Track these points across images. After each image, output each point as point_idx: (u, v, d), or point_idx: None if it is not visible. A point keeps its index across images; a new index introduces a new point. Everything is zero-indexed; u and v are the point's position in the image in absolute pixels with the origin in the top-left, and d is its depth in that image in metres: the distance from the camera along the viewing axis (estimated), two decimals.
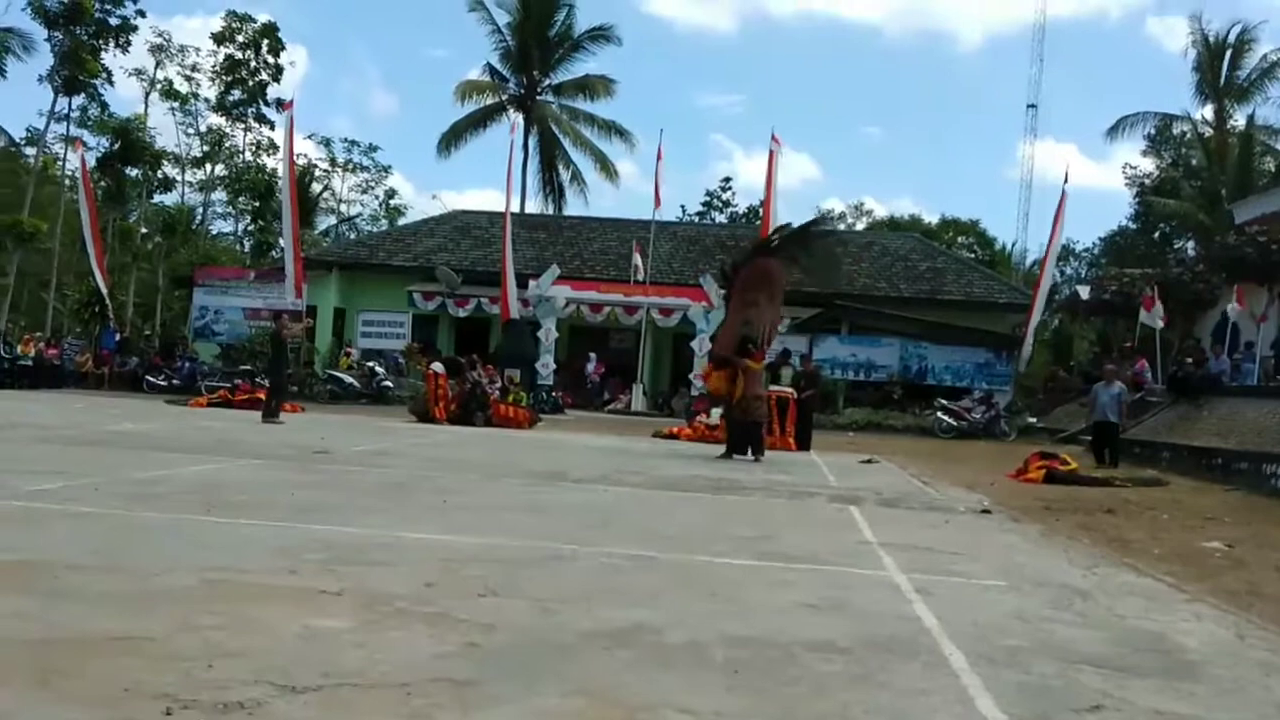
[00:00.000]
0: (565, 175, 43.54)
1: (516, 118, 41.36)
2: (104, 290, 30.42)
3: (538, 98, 43.08)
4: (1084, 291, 30.85)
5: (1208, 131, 37.56)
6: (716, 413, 19.93)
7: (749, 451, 14.89)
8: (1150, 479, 13.89)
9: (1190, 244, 37.88)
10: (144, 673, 3.16)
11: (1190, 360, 21.05)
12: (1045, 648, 4.24)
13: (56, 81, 35.01)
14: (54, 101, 36.01)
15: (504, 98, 43.19)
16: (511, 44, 42.48)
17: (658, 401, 28.97)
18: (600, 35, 42.43)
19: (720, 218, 54.69)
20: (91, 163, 34.83)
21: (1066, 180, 27.34)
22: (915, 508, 9.55)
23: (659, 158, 29.24)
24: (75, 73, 34.64)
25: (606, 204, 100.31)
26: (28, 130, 42.04)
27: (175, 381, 25.94)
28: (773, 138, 26.96)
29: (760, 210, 33.99)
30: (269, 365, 18.75)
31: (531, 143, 42.64)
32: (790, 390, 17.97)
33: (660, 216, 31.10)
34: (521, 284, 28.41)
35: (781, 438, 17.31)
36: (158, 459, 9.70)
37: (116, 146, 36.80)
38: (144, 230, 41.62)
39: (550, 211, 42.38)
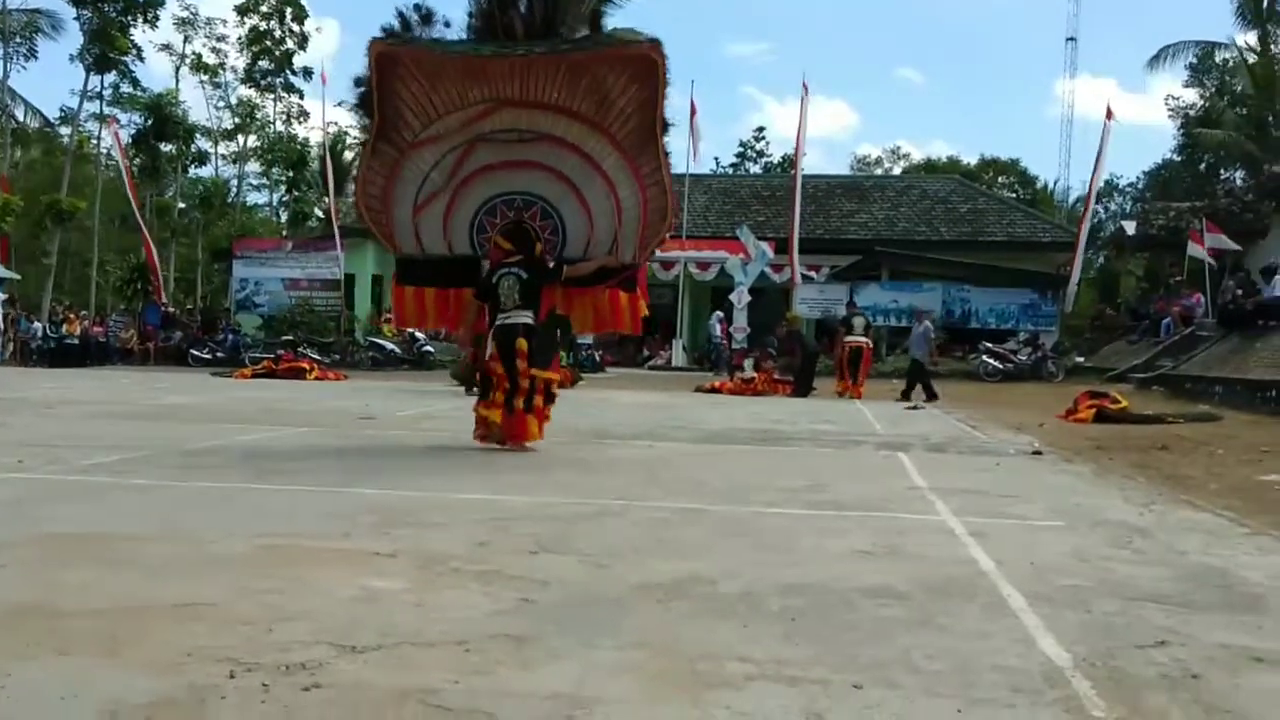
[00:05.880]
0: None
1: None
2: (158, 269, 30.67)
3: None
4: (1130, 227, 30.35)
5: (1252, 58, 36.54)
6: (749, 364, 19.98)
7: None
8: (1203, 414, 13.69)
9: (1238, 174, 37.01)
10: (206, 638, 3.20)
11: (1240, 291, 20.66)
12: (1106, 586, 4.18)
13: (87, 60, 35.29)
14: (86, 80, 36.35)
15: None
16: None
17: (697, 356, 28.93)
18: None
19: (755, 168, 54.25)
20: (126, 140, 35.09)
21: (1109, 116, 26.74)
22: (964, 452, 9.47)
23: (693, 111, 28.88)
24: (105, 50, 34.86)
25: None
26: (61, 110, 42.43)
27: (219, 354, 26.26)
28: (803, 86, 26.66)
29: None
30: None
31: None
32: (865, 340, 18.14)
33: (694, 169, 30.86)
34: None
35: (854, 386, 17.83)
36: (207, 430, 9.82)
37: (150, 123, 37.05)
38: (181, 205, 41.99)
39: None
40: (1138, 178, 49.47)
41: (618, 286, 8.87)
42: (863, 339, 18.19)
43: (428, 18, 8.27)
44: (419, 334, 26.89)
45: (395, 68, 8.33)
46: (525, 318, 8.34)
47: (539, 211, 8.87)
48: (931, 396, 17.02)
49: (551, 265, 8.63)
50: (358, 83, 8.62)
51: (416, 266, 9.15)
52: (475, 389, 17.10)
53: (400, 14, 8.19)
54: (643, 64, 8.13)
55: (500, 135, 8.67)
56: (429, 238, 9.05)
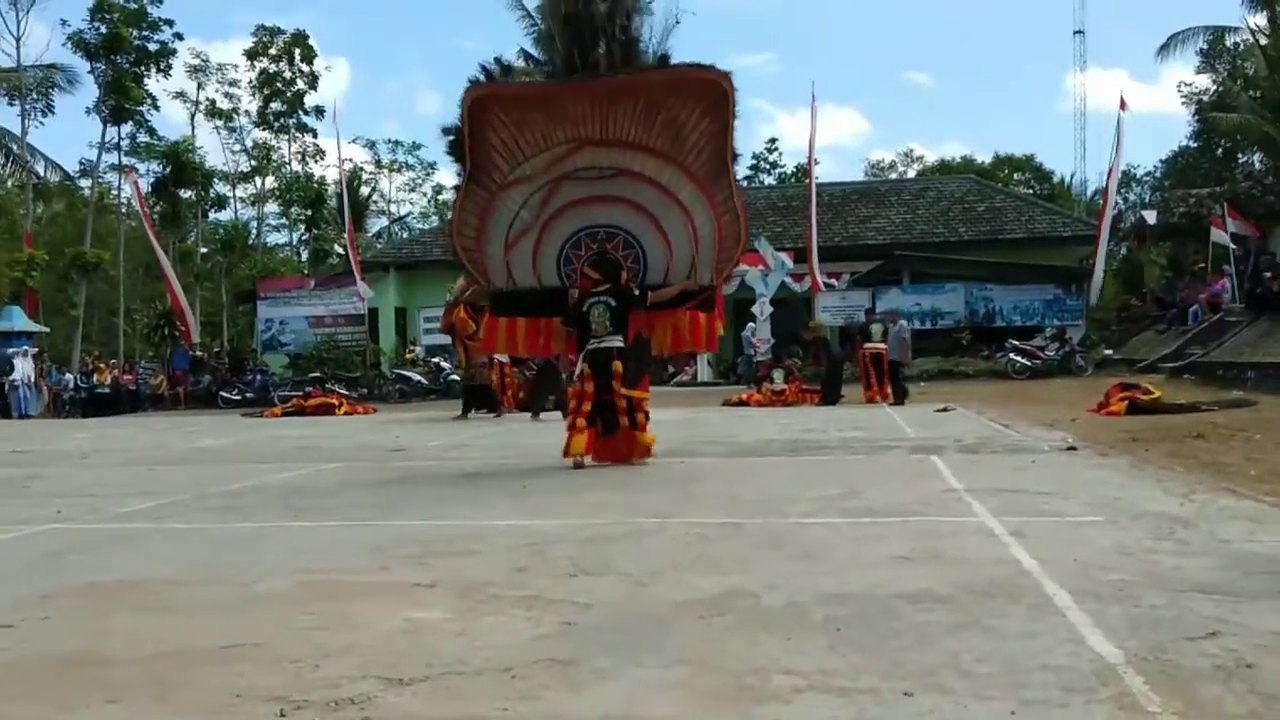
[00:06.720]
0: None
1: None
2: (187, 313, 30.84)
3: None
4: (1150, 216, 30.08)
5: (1264, 40, 36.24)
6: (781, 374, 19.90)
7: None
8: (1237, 400, 13.56)
9: (1256, 157, 36.66)
10: (254, 677, 3.21)
11: (1269, 275, 20.46)
12: (1151, 579, 4.14)
13: (104, 112, 35.73)
14: (103, 132, 36.81)
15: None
16: (543, 26, 42.28)
17: (723, 370, 28.87)
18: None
19: (769, 180, 54.20)
20: (146, 189, 35.46)
21: (1123, 106, 26.56)
22: (998, 451, 9.40)
23: None
24: (121, 101, 35.29)
25: None
26: (81, 162, 43.00)
27: (248, 395, 26.37)
28: (812, 95, 26.70)
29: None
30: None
31: None
32: (883, 345, 18.22)
33: None
34: None
35: (880, 390, 18.04)
36: (241, 471, 9.88)
37: (168, 170, 37.48)
38: (203, 250, 42.39)
39: None
40: (1155, 166, 49.08)
41: (697, 308, 9.41)
42: (881, 345, 18.32)
43: (507, 70, 9.30)
44: (445, 363, 26.99)
45: (485, 115, 9.06)
46: (617, 342, 8.93)
47: (621, 242, 9.44)
48: (899, 400, 17.23)
49: (637, 292, 9.17)
50: (445, 131, 9.36)
51: (508, 299, 9.71)
52: (471, 412, 17.53)
53: (484, 68, 9.11)
54: (715, 94, 8.90)
55: (583, 173, 9.34)
56: (520, 272, 9.62)
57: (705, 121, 9.01)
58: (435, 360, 27.42)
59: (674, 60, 9.15)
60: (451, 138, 9.31)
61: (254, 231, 46.32)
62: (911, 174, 55.59)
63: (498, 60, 9.19)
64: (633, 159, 9.23)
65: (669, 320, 9.44)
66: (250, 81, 43.09)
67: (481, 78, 9.09)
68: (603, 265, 9.14)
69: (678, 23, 9.16)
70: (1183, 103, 43.67)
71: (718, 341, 10.09)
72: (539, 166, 9.28)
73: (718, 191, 9.28)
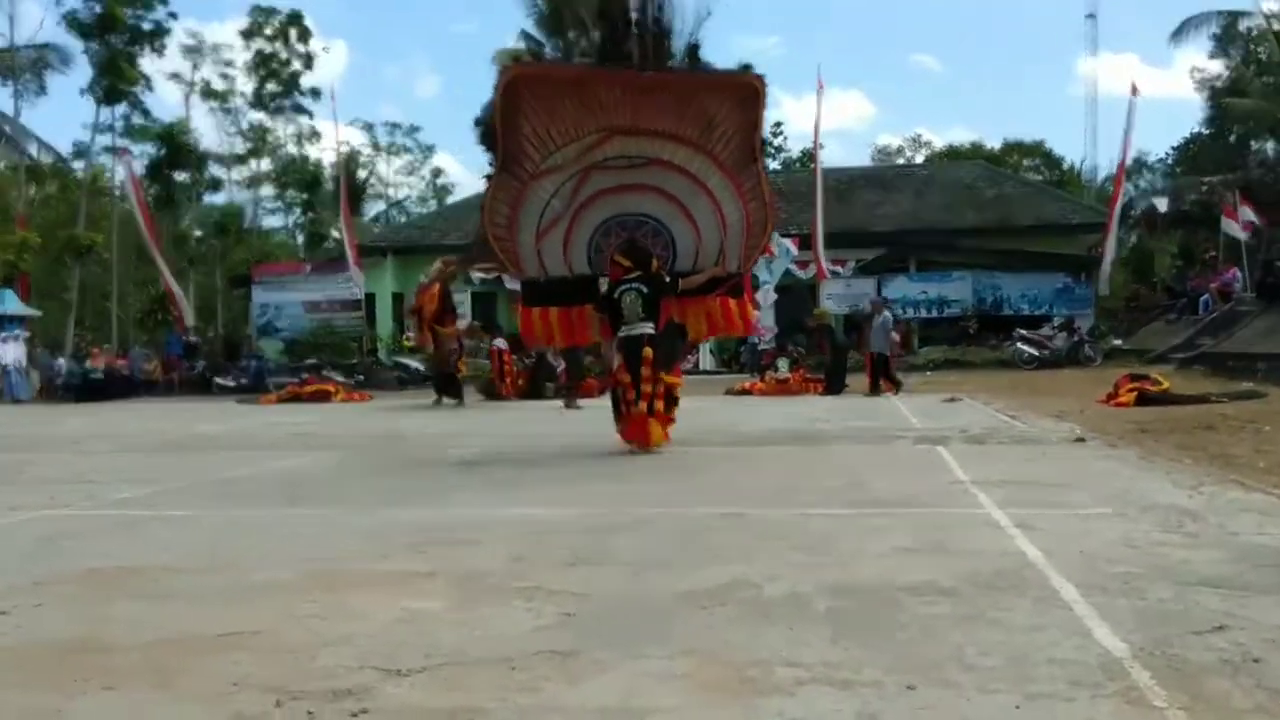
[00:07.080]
0: None
1: None
2: (180, 297, 30.68)
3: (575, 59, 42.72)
4: (1161, 204, 29.91)
5: (1278, 25, 36.00)
6: (785, 363, 19.84)
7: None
8: (1247, 392, 13.47)
9: (1269, 144, 36.42)
10: (252, 666, 3.18)
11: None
12: (1158, 572, 4.10)
13: (98, 92, 35.33)
14: (97, 112, 36.31)
15: None
16: (544, 8, 42.16)
17: (725, 359, 28.80)
18: None
19: (774, 165, 53.91)
20: (140, 171, 35.22)
21: (1134, 91, 26.34)
22: (1005, 442, 9.35)
23: None
24: (115, 82, 34.89)
25: None
26: (74, 144, 42.66)
27: (243, 381, 26.08)
28: (818, 80, 26.57)
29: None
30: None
31: None
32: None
33: None
34: None
35: (886, 382, 17.94)
36: (238, 458, 9.84)
37: (162, 153, 37.17)
38: (198, 233, 42.10)
39: None
40: (1166, 153, 48.65)
41: (726, 294, 9.63)
42: None
43: (538, 58, 9.34)
44: None
45: (517, 101, 9.28)
46: (648, 328, 9.02)
47: (650, 230, 9.59)
48: (895, 386, 17.23)
49: (668, 279, 9.30)
50: (478, 123, 9.83)
51: (540, 288, 9.88)
52: (443, 399, 17.50)
53: (515, 59, 9.11)
54: (746, 91, 9.31)
55: (613, 162, 9.49)
56: (551, 260, 9.76)
57: (736, 114, 9.24)
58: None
59: (704, 49, 9.50)
60: (484, 129, 9.62)
61: (249, 215, 46.09)
62: (919, 160, 55.31)
63: (529, 50, 9.70)
64: (663, 148, 9.38)
65: (701, 307, 9.64)
66: (245, 62, 42.79)
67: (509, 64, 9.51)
68: (634, 253, 9.27)
69: (709, 14, 9.38)
70: (1195, 88, 43.37)
71: (751, 324, 10.34)
72: (570, 156, 9.42)
73: (745, 179, 9.46)
